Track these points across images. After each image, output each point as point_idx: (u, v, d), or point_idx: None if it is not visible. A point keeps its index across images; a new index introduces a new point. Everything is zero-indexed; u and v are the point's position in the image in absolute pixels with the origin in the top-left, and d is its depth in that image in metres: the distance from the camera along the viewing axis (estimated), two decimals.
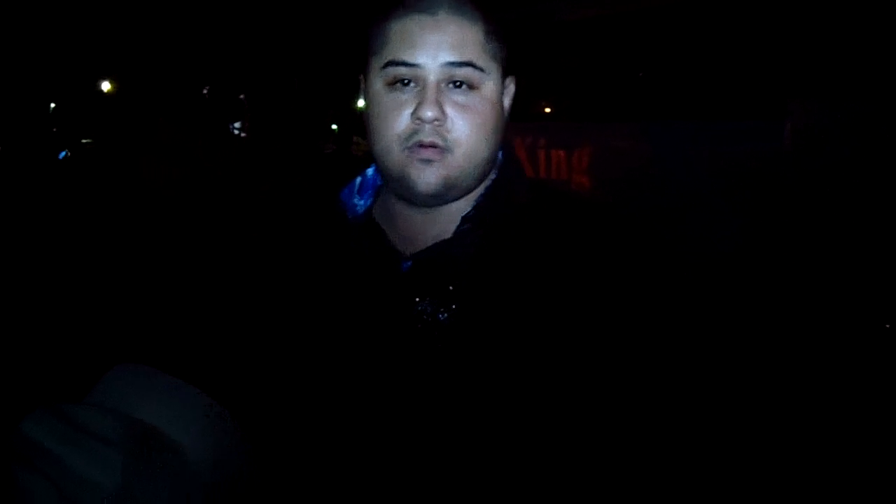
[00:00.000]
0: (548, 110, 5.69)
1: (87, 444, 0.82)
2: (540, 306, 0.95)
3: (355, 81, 1.08)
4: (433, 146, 0.96)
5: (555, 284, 0.96)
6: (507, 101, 1.05)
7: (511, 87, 1.06)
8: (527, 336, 0.94)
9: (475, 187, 1.03)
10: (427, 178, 0.97)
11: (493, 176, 1.05)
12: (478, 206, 1.02)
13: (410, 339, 0.98)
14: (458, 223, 1.01)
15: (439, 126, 0.95)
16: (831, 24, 3.61)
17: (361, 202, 1.11)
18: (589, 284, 0.95)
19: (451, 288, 0.98)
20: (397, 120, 0.97)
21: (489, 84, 0.98)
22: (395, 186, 1.02)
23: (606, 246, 0.97)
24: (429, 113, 0.94)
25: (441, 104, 0.95)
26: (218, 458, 0.93)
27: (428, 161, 0.96)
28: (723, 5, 4.09)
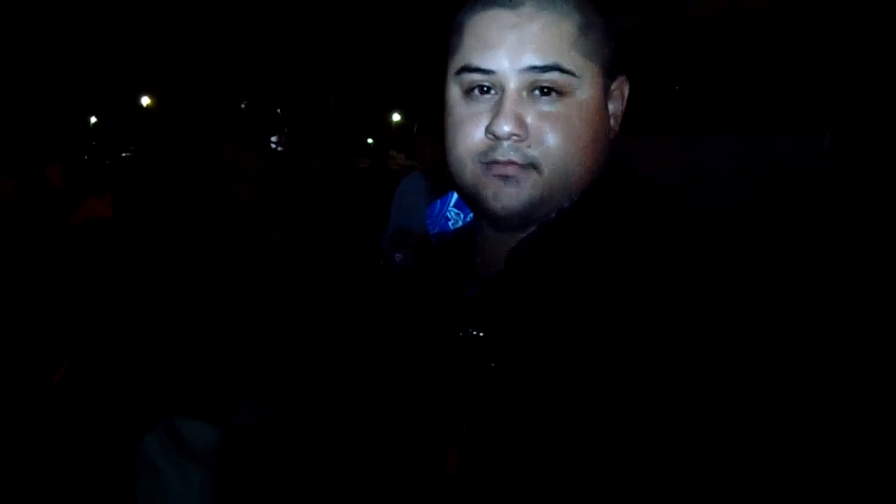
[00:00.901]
0: None
1: (181, 461, 0.90)
2: (575, 360, 0.77)
3: (425, 87, 1.02)
4: (511, 163, 0.82)
5: (598, 337, 0.77)
6: (614, 107, 0.88)
7: (621, 90, 0.89)
8: (560, 389, 0.77)
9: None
10: (505, 199, 0.83)
11: (575, 198, 0.86)
12: (542, 233, 0.85)
13: (451, 375, 0.85)
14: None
15: (519, 142, 0.81)
16: (870, 38, 3.56)
17: (460, 215, 0.99)
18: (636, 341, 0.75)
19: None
20: (472, 134, 0.84)
21: (585, 88, 0.82)
22: (471, 206, 0.90)
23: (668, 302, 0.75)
24: (505, 128, 0.80)
25: (521, 116, 0.81)
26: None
27: (506, 178, 0.82)
28: (760, 18, 4.04)
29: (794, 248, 3.58)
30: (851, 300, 3.13)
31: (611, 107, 0.87)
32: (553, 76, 0.81)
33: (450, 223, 0.96)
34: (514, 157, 0.81)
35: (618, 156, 0.90)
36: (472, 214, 0.95)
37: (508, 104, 0.81)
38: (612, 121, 0.88)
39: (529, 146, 0.81)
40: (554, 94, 0.81)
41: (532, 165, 0.82)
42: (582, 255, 0.82)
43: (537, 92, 0.82)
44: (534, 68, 0.80)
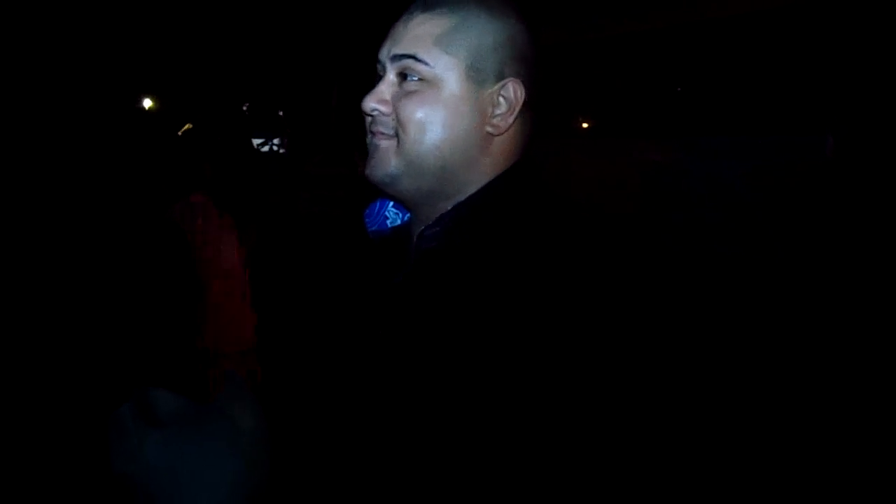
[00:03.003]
0: (585, 126, 5.66)
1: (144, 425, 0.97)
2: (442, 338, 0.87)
3: None
4: (380, 133, 0.98)
5: (466, 315, 0.86)
6: (494, 107, 0.97)
7: (508, 93, 0.97)
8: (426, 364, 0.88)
9: (442, 197, 0.98)
10: (373, 167, 0.99)
11: (469, 191, 0.98)
12: (441, 226, 0.98)
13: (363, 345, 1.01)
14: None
15: (384, 117, 0.97)
16: (874, 39, 3.55)
17: (399, 215, 1.12)
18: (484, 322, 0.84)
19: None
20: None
21: (448, 80, 0.95)
22: None
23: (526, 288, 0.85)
24: (369, 103, 0.97)
25: (385, 95, 0.97)
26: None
27: (376, 146, 0.98)
28: (761, 20, 4.04)
29: (797, 248, 3.58)
30: (854, 299, 3.13)
31: (490, 107, 0.97)
32: (408, 63, 0.95)
33: (388, 221, 1.09)
34: (380, 128, 0.97)
35: (524, 158, 1.01)
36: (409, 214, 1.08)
37: (379, 85, 0.98)
38: (494, 119, 0.97)
39: (393, 120, 0.96)
40: (417, 80, 0.95)
41: (395, 135, 0.96)
42: (470, 249, 0.93)
43: (404, 77, 0.96)
44: (396, 56, 0.96)
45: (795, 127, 3.90)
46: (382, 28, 1.00)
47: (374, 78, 1.01)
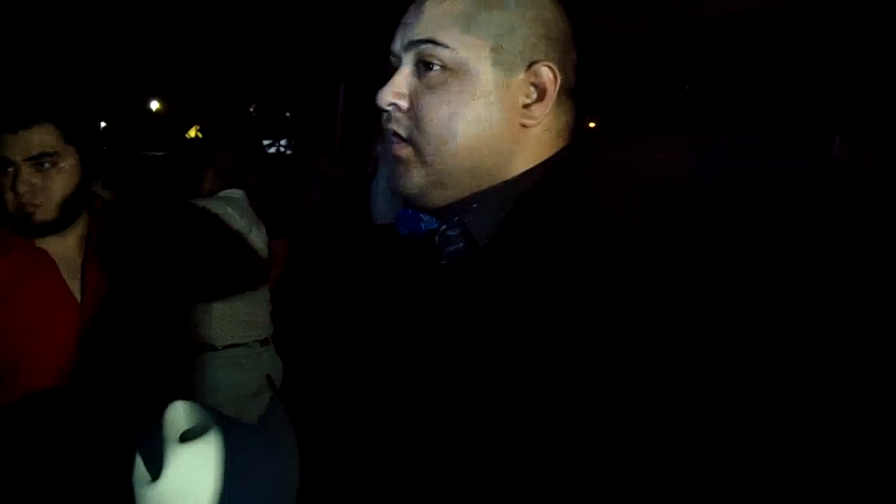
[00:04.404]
0: (592, 125, 5.65)
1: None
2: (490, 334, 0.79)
3: None
4: (397, 137, 0.86)
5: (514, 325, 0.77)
6: (526, 96, 0.86)
7: (538, 80, 0.85)
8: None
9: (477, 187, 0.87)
10: (398, 180, 0.87)
11: (499, 188, 0.86)
12: (463, 218, 0.87)
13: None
14: None
15: (400, 113, 0.85)
16: (882, 36, 3.53)
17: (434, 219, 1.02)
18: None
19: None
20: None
21: (472, 65, 0.83)
22: None
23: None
24: (384, 97, 0.86)
25: (402, 88, 0.85)
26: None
27: (395, 157, 0.87)
28: (770, 18, 4.03)
29: (804, 246, 3.56)
30: (860, 301, 3.11)
31: (522, 97, 0.86)
32: (427, 48, 0.83)
33: (423, 225, 0.95)
34: (397, 128, 0.85)
35: (565, 152, 0.89)
36: None
37: (395, 77, 0.86)
38: (527, 110, 0.86)
39: (411, 119, 0.85)
40: (438, 68, 0.83)
41: (412, 140, 0.85)
42: (508, 253, 0.82)
43: (423, 66, 0.84)
44: (412, 43, 0.84)
45: (804, 125, 3.88)
46: (390, 26, 0.90)
47: (388, 74, 0.89)
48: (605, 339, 0.70)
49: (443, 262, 0.88)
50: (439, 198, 0.86)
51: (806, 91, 3.89)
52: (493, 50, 0.83)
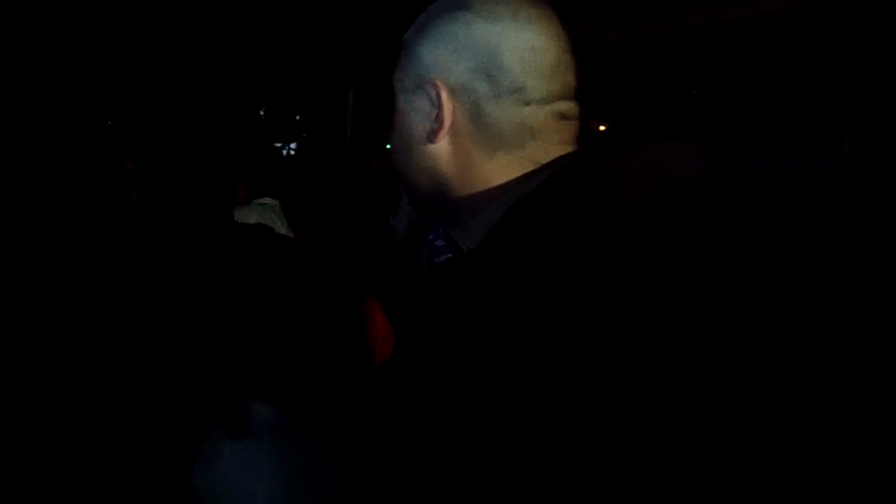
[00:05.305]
0: (602, 129, 5.65)
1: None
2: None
3: None
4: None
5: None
6: (417, 113, 0.86)
7: (428, 97, 0.85)
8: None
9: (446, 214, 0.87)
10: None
11: (477, 198, 0.84)
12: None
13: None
14: None
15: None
16: (892, 40, 3.52)
17: None
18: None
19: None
20: None
21: (401, 96, 0.89)
22: None
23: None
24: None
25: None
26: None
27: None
28: (778, 22, 4.02)
29: (814, 250, 3.55)
30: (870, 305, 3.10)
31: (413, 114, 0.86)
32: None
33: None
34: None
35: (575, 159, 0.86)
36: None
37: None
38: (425, 124, 0.85)
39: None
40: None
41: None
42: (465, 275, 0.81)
43: None
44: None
45: (814, 129, 3.87)
46: (398, 34, 0.91)
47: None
48: (562, 350, 0.68)
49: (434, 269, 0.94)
50: (431, 216, 0.90)
51: (815, 95, 3.89)
52: (406, 79, 0.88)
